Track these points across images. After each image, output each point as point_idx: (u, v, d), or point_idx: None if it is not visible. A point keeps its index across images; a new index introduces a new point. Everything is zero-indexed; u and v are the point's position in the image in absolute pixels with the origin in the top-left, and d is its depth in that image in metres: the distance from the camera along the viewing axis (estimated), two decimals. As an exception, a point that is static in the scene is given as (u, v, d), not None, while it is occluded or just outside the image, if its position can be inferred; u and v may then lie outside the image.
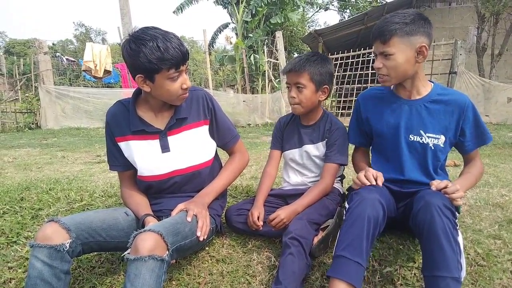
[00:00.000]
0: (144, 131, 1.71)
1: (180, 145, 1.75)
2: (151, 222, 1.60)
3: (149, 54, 1.47)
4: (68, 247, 1.38)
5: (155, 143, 1.73)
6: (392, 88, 1.81)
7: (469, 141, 1.74)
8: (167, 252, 1.37)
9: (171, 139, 1.74)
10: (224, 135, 1.90)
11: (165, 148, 1.73)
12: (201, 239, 1.58)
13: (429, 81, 1.77)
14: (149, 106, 1.73)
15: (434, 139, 1.71)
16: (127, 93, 10.67)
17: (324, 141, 1.99)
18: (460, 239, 1.41)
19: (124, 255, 1.36)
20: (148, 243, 1.31)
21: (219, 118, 1.87)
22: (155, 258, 1.31)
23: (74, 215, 1.54)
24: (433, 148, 1.72)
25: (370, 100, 1.87)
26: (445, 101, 1.70)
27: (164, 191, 1.82)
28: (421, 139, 1.72)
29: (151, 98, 1.69)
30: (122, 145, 1.75)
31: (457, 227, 1.40)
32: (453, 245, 1.32)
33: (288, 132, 2.12)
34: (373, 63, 9.66)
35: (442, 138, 1.71)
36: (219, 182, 1.86)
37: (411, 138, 1.73)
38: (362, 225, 1.42)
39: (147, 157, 1.73)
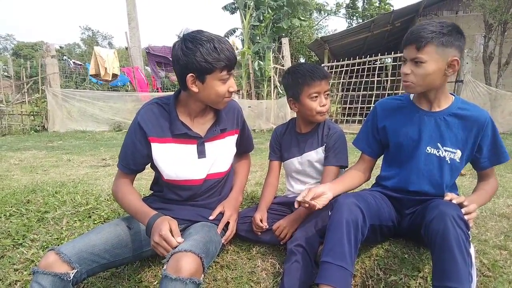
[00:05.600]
0: (186, 135, 1.70)
1: (216, 152, 1.79)
2: (166, 222, 1.49)
3: (206, 53, 1.52)
4: (72, 277, 1.37)
5: (193, 148, 1.74)
6: (412, 98, 1.77)
7: (485, 159, 1.72)
8: (203, 275, 1.40)
9: (208, 146, 1.77)
10: (247, 144, 2.05)
11: (201, 154, 1.75)
12: (224, 242, 1.79)
13: (450, 93, 1.73)
14: (188, 110, 1.72)
15: (451, 153, 1.68)
16: (146, 96, 10.75)
17: (323, 146, 1.98)
18: (472, 251, 1.40)
19: (163, 271, 1.36)
20: (190, 266, 1.33)
21: (246, 129, 2.01)
22: (194, 282, 1.32)
23: (76, 241, 1.49)
24: (449, 162, 1.69)
25: (389, 110, 1.83)
26: (464, 116, 1.67)
27: (198, 196, 1.82)
28: (437, 152, 1.69)
29: (193, 101, 1.69)
30: (157, 146, 1.69)
31: (470, 239, 1.39)
32: (465, 257, 1.31)
33: (286, 141, 2.11)
34: (379, 70, 9.69)
35: (459, 153, 1.68)
36: (241, 184, 2.02)
37: (428, 150, 1.70)
38: (342, 230, 1.44)
39: (184, 161, 1.73)
